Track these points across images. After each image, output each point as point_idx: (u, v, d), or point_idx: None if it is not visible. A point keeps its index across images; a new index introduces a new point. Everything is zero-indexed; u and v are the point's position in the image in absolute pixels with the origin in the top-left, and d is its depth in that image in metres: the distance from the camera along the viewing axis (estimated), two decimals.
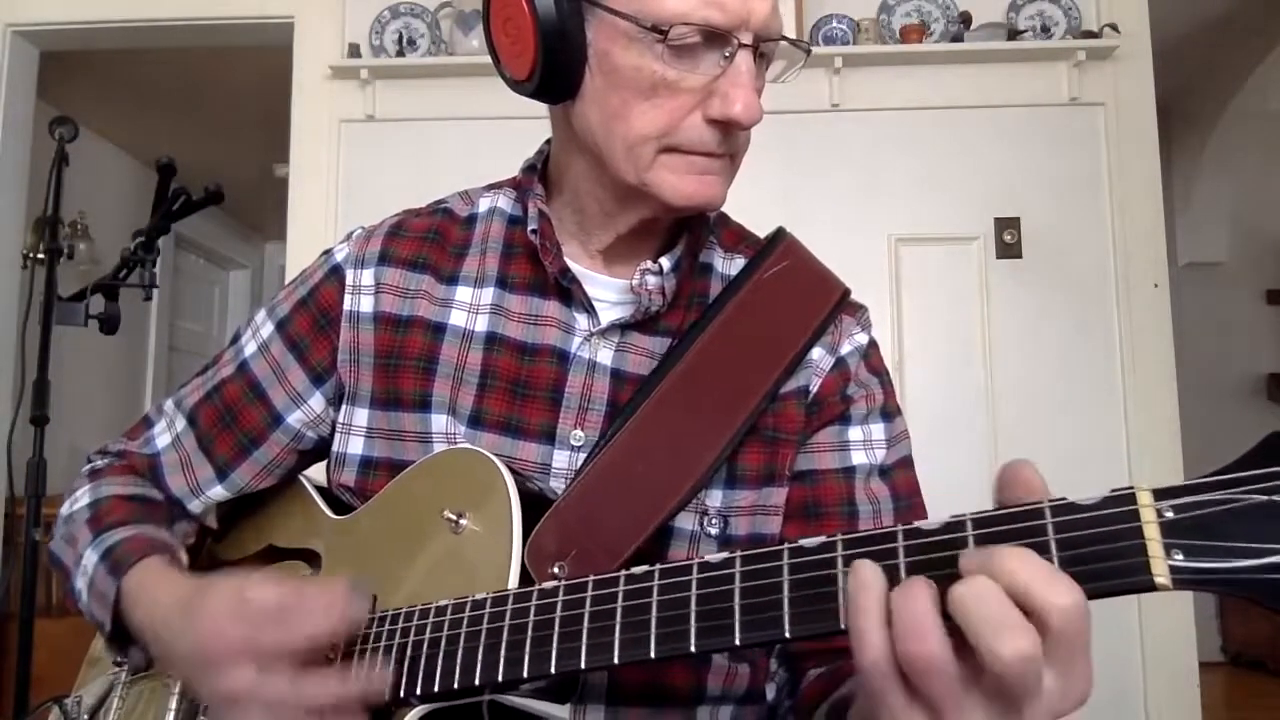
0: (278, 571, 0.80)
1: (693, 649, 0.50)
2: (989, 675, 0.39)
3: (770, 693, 0.76)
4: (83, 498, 0.79)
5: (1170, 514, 0.40)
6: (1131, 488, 0.41)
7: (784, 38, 0.69)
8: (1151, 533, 0.40)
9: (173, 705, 0.75)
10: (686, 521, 0.71)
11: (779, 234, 0.80)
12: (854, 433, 0.76)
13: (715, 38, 0.65)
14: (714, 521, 0.71)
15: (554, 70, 0.68)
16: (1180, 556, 0.39)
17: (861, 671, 0.43)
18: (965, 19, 2.67)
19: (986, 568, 0.40)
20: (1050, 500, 0.43)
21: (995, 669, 0.39)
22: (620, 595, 0.53)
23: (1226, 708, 3.67)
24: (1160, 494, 0.40)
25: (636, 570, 0.54)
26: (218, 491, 0.80)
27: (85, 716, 0.82)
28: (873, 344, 0.80)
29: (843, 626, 0.46)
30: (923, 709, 0.41)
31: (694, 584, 0.51)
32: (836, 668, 0.70)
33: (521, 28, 0.68)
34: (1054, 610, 0.39)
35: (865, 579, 0.43)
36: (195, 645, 0.60)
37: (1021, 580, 0.39)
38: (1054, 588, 0.39)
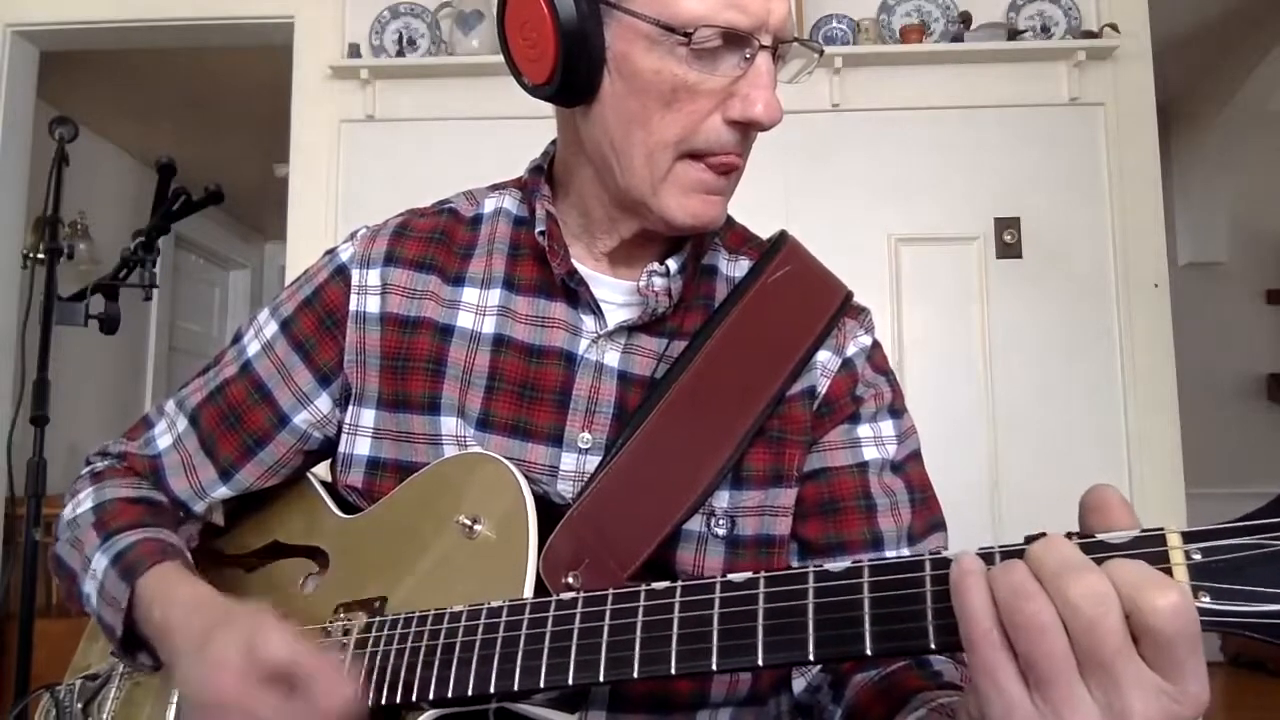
0: (281, 572, 0.80)
1: (714, 667, 0.50)
2: (1075, 639, 0.39)
3: (799, 687, 0.75)
4: (86, 501, 0.78)
5: (1198, 556, 0.40)
6: (1161, 529, 0.42)
7: (798, 39, 0.69)
8: (1180, 575, 0.40)
9: (174, 699, 0.75)
10: (693, 523, 0.71)
11: (782, 237, 0.81)
12: (863, 430, 0.76)
13: (736, 39, 0.65)
14: (720, 522, 0.71)
15: (573, 73, 0.67)
16: (1207, 599, 0.40)
17: (974, 654, 0.42)
18: (965, 19, 2.67)
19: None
20: (1079, 537, 0.43)
21: (1070, 617, 0.39)
22: (641, 610, 0.53)
23: (1226, 708, 3.67)
24: (1189, 536, 0.41)
25: (658, 585, 0.54)
26: (222, 492, 0.80)
27: (79, 705, 0.81)
28: (876, 344, 0.80)
29: (869, 651, 0.46)
30: (1035, 690, 0.40)
31: (717, 602, 0.51)
32: (892, 678, 0.68)
33: (540, 31, 0.67)
34: (1155, 613, 0.38)
35: (969, 565, 0.43)
36: (198, 682, 0.60)
37: (1130, 587, 0.39)
38: (1157, 589, 0.39)
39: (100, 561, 0.73)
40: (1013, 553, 0.44)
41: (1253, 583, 0.39)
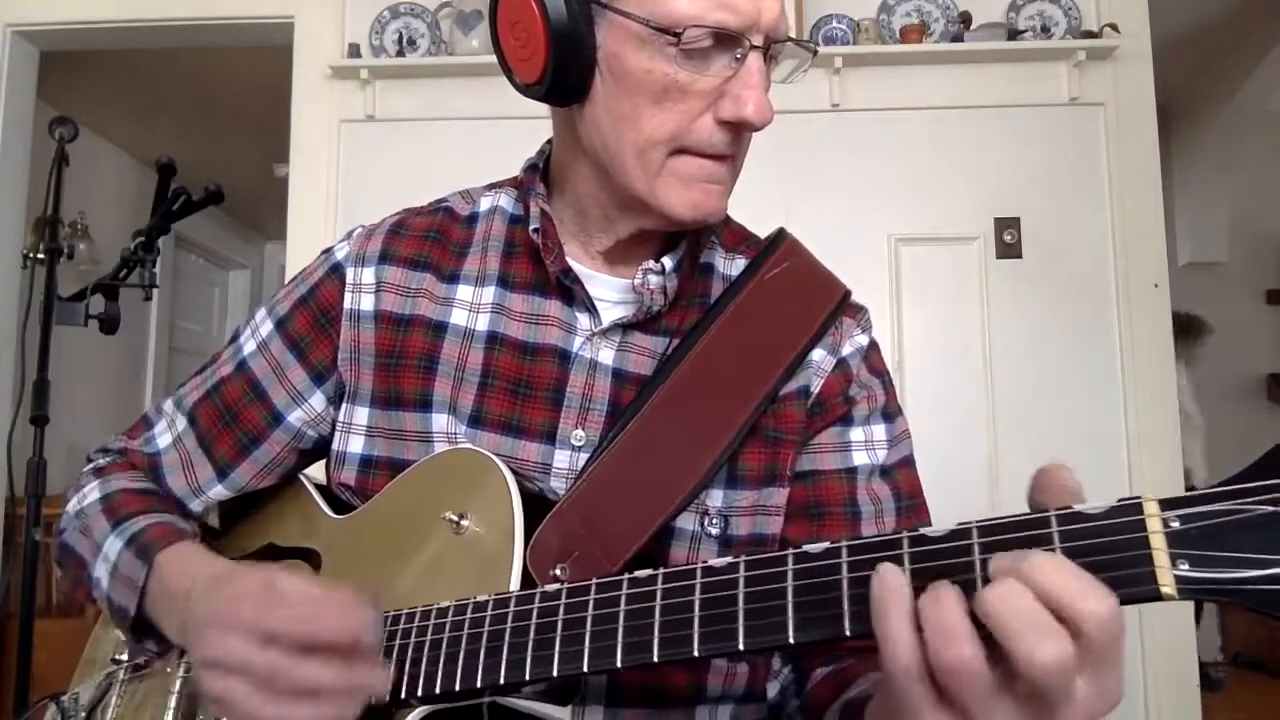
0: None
1: (696, 653, 0.50)
2: (1022, 680, 0.39)
3: (773, 691, 0.76)
4: (92, 492, 0.79)
5: (1176, 524, 0.40)
6: (1139, 498, 0.41)
7: (791, 38, 0.69)
8: (1158, 542, 0.40)
9: (171, 704, 0.75)
10: (687, 522, 0.71)
11: (780, 235, 0.81)
12: (855, 433, 0.76)
13: (726, 39, 0.65)
14: (714, 522, 0.71)
15: (564, 73, 0.67)
16: (1186, 566, 0.39)
17: (891, 676, 0.43)
18: (965, 19, 2.67)
19: (1018, 572, 0.40)
20: (1056, 509, 0.43)
21: (1029, 674, 0.39)
22: (623, 599, 0.53)
23: (1227, 708, 3.67)
24: (1167, 504, 0.41)
25: (640, 574, 0.54)
26: (218, 491, 0.80)
27: (83, 714, 0.82)
28: (873, 345, 0.80)
29: (848, 632, 0.46)
30: (951, 713, 0.41)
31: (697, 588, 0.51)
32: (844, 666, 0.70)
33: (531, 31, 0.67)
34: (1089, 618, 0.38)
35: (891, 583, 0.43)
36: (210, 608, 0.60)
37: (1056, 587, 0.39)
38: (1088, 596, 0.39)
39: (114, 545, 0.73)
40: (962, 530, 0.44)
41: (1232, 549, 0.39)
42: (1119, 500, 0.42)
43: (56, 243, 2.37)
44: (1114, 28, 2.60)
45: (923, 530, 0.45)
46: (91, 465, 0.84)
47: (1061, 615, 0.39)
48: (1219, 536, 0.39)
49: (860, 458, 0.75)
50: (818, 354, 0.75)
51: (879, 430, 0.77)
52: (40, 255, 2.45)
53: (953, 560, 0.44)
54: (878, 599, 0.43)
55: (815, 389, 0.75)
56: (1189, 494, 0.40)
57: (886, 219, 2.63)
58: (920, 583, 0.43)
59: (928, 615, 0.41)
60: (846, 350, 0.77)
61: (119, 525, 0.74)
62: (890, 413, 0.78)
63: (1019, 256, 2.61)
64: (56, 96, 3.46)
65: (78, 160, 2.57)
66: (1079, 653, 0.39)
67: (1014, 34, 2.63)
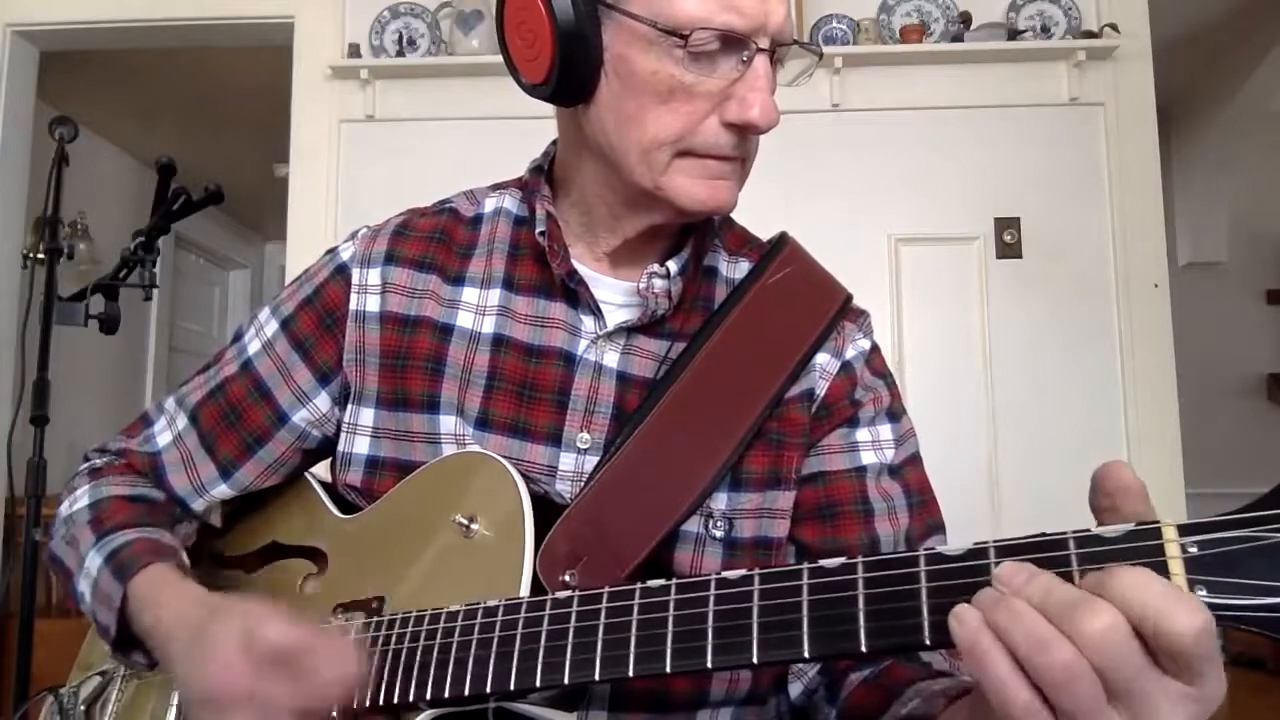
0: (280, 573, 0.80)
1: (709, 665, 0.49)
2: (1097, 673, 0.39)
3: (795, 691, 0.75)
4: (82, 498, 0.79)
5: (1194, 550, 0.40)
6: (1157, 523, 0.41)
7: (797, 41, 0.69)
8: (1176, 568, 0.40)
9: (174, 701, 0.75)
10: (691, 525, 0.71)
11: (782, 239, 0.81)
12: (862, 434, 0.76)
13: (733, 42, 0.65)
14: (719, 525, 0.71)
15: (570, 74, 0.67)
16: (1204, 592, 0.39)
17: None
18: (965, 19, 2.67)
19: (1110, 593, 0.39)
20: (1074, 531, 0.43)
21: (1088, 649, 0.38)
22: (636, 608, 0.53)
23: (1226, 708, 3.67)
24: (1185, 529, 0.40)
25: (653, 583, 0.54)
26: (222, 490, 0.80)
27: (81, 708, 0.81)
28: (875, 348, 0.80)
29: (863, 649, 0.46)
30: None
31: (711, 600, 0.51)
32: (884, 671, 0.69)
33: (538, 31, 0.67)
34: (1180, 637, 0.38)
35: (973, 628, 0.41)
36: (200, 679, 0.59)
37: (1151, 611, 0.38)
38: (1181, 614, 0.38)
39: (94, 560, 0.73)
40: (1010, 547, 0.43)
41: (1250, 575, 0.39)
42: (1137, 524, 0.41)
43: (56, 243, 2.37)
44: (1114, 28, 2.61)
45: (940, 549, 0.45)
46: (88, 465, 0.83)
47: (1156, 638, 0.38)
48: (1237, 563, 0.39)
49: (868, 457, 0.76)
50: (821, 358, 0.76)
51: (885, 430, 0.77)
52: (40, 255, 2.45)
53: (971, 580, 0.44)
54: (970, 649, 0.41)
55: (820, 392, 0.75)
56: (1207, 520, 0.40)
57: (886, 219, 2.63)
58: (940, 601, 0.43)
59: (1012, 633, 0.40)
60: (850, 354, 0.77)
61: (102, 539, 0.74)
62: (895, 412, 0.78)
63: (1019, 256, 2.61)
64: (56, 96, 3.46)
65: (78, 160, 2.57)
66: (1180, 666, 0.38)
67: (1014, 34, 2.63)
